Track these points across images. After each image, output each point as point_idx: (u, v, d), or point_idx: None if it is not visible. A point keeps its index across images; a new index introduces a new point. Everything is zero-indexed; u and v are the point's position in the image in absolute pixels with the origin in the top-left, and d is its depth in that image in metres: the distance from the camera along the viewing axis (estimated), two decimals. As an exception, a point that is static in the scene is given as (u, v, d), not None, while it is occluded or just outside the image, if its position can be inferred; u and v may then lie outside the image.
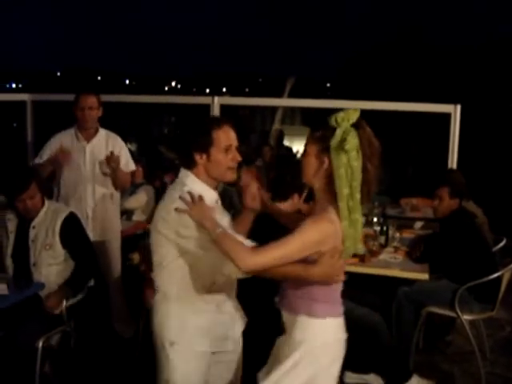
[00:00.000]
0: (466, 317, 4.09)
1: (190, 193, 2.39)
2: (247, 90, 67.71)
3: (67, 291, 3.72)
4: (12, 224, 3.85)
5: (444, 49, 32.10)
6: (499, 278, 4.07)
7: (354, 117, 2.20)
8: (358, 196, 2.22)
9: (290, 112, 13.07)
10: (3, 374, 3.42)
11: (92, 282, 3.97)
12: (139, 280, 4.36)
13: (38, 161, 4.50)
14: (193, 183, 2.50)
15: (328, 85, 50.65)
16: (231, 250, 2.24)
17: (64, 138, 4.51)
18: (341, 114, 2.20)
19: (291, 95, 12.74)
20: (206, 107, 5.89)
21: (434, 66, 29.86)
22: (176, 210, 2.37)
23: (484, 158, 12.66)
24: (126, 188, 4.85)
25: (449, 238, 4.16)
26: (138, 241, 5.12)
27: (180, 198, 2.38)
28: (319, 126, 2.29)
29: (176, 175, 2.63)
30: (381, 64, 32.19)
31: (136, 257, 5.06)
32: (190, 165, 2.53)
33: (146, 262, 4.30)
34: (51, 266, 3.76)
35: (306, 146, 2.34)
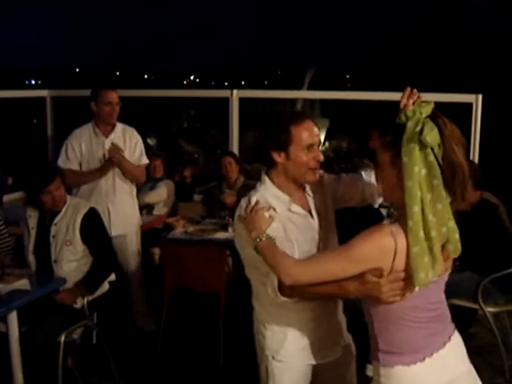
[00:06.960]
0: (489, 309, 4.03)
1: (257, 202, 2.20)
2: (266, 82, 67.50)
3: (82, 290, 3.73)
4: (33, 220, 3.86)
5: (464, 36, 31.72)
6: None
7: (428, 109, 1.86)
8: (439, 206, 1.89)
9: (310, 104, 12.98)
10: (26, 368, 3.44)
11: (113, 277, 4.00)
12: (159, 274, 4.37)
13: (68, 165, 4.47)
14: (265, 189, 2.31)
15: (347, 76, 50.32)
16: (274, 260, 2.01)
17: (82, 134, 4.52)
18: (410, 108, 1.86)
19: (311, 87, 12.66)
20: (225, 100, 5.88)
21: (455, 55, 29.53)
22: (239, 217, 2.23)
23: (507, 149, 12.47)
24: (141, 182, 4.85)
25: (472, 229, 4.09)
26: (157, 235, 5.13)
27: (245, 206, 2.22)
28: (387, 130, 1.94)
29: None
30: (400, 55, 31.95)
31: (156, 251, 5.08)
32: (270, 164, 2.32)
33: (165, 257, 4.33)
34: (72, 262, 3.78)
35: (376, 158, 1.99)
